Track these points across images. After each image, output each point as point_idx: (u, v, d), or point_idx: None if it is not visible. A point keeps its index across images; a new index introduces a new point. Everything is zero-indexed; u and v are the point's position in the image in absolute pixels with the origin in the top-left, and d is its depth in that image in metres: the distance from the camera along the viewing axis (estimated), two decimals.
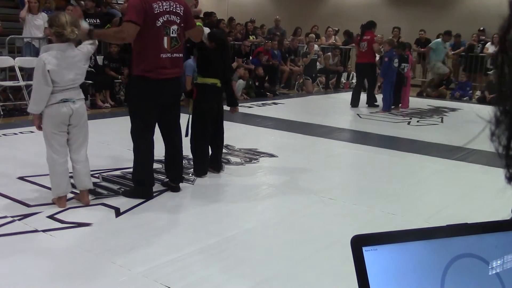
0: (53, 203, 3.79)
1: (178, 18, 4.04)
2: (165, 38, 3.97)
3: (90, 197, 3.94)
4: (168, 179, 4.35)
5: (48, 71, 3.52)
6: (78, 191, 3.90)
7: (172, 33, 4.00)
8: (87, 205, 3.84)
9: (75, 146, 3.76)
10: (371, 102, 10.22)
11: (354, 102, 10.10)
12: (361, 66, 10.27)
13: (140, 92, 4.01)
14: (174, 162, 4.29)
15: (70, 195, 3.91)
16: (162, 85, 3.98)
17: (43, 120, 3.67)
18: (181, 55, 4.13)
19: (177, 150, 4.30)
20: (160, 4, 3.92)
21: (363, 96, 10.22)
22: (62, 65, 3.58)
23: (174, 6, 4.01)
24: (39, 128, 3.71)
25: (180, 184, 4.34)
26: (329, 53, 13.05)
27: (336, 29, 14.31)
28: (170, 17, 3.98)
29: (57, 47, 3.60)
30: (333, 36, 14.21)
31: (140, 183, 4.12)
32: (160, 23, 3.92)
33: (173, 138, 4.26)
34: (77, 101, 3.68)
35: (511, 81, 0.37)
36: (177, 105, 4.28)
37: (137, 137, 4.09)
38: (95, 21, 8.83)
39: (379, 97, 9.97)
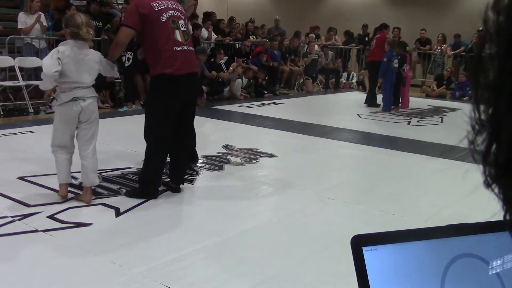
0: (53, 203, 3.80)
1: (182, 15, 4.08)
2: (177, 32, 3.95)
3: None
4: (169, 179, 4.33)
5: (59, 58, 3.59)
6: (80, 191, 3.91)
7: (182, 27, 4.02)
8: (89, 203, 3.84)
9: (83, 141, 3.81)
10: (371, 102, 10.20)
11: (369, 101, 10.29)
12: (367, 64, 10.71)
13: (161, 92, 3.93)
14: (180, 163, 4.23)
15: (70, 195, 3.92)
16: (181, 81, 3.92)
17: (55, 114, 3.79)
18: (193, 49, 4.12)
19: (186, 151, 4.27)
20: (159, 2, 3.93)
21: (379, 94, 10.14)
22: (74, 60, 3.66)
23: (175, 5, 4.05)
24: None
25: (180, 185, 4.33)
26: (321, 52, 12.89)
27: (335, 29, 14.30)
28: (174, 13, 3.99)
29: (73, 43, 3.69)
30: (334, 36, 14.21)
31: (148, 183, 4.06)
32: (166, 18, 3.91)
33: (185, 138, 4.20)
34: (87, 99, 3.74)
35: (484, 92, 0.36)
36: (193, 104, 4.26)
37: (153, 138, 4.01)
38: (98, 24, 8.81)
39: (379, 97, 9.96)
